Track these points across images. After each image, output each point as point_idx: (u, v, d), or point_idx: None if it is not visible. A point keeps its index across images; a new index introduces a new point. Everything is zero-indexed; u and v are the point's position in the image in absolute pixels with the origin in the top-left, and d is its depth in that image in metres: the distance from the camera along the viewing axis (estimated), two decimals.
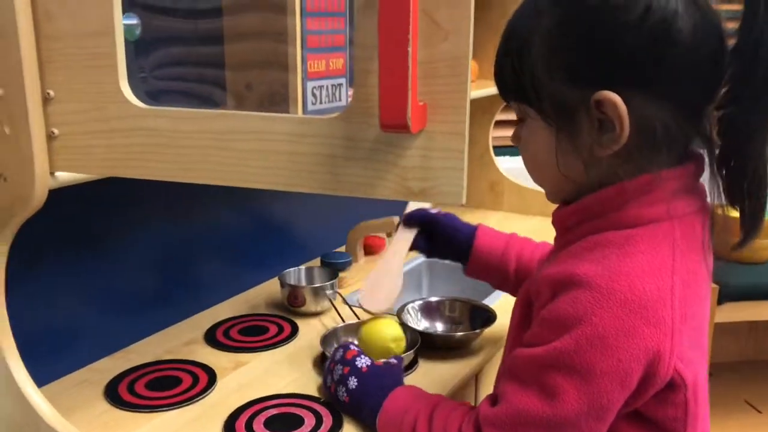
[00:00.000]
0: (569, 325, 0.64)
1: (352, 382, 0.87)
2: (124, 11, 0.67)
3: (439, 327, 1.18)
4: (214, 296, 1.31)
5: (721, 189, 0.69)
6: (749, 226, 0.70)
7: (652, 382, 0.64)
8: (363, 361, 0.89)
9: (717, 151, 0.69)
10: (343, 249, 1.49)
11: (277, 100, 1.00)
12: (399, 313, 1.14)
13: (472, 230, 1.03)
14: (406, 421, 0.78)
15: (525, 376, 0.67)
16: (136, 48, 0.82)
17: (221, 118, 0.66)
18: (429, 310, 1.18)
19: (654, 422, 0.69)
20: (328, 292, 1.26)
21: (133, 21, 0.87)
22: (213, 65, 1.02)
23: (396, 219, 1.44)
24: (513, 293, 1.01)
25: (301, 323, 1.22)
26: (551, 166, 0.71)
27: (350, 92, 1.15)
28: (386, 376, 0.87)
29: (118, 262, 1.11)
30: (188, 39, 0.98)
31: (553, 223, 0.76)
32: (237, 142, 0.65)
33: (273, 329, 1.19)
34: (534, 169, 0.76)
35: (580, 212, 0.71)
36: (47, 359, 1.01)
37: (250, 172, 0.66)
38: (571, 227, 0.72)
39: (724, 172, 0.69)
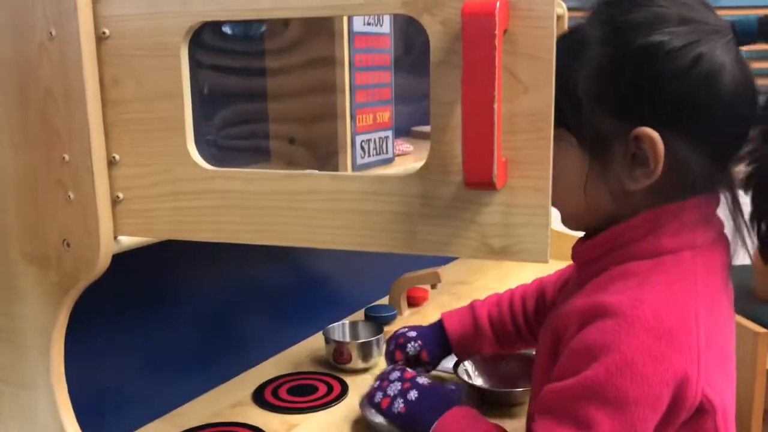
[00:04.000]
0: (598, 353, 0.65)
1: (412, 395, 0.88)
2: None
3: (495, 383, 1.14)
4: (258, 354, 1.28)
5: (750, 237, 0.72)
6: None
7: (681, 406, 0.65)
8: (424, 380, 0.91)
9: (752, 203, 0.72)
10: (385, 301, 1.46)
11: (329, 153, 0.99)
12: (454, 368, 1.11)
13: (437, 324, 1.07)
14: None
15: (558, 411, 0.67)
16: (203, 110, 0.82)
17: (292, 178, 0.64)
18: (485, 365, 1.14)
19: None
20: (374, 347, 1.23)
21: None
22: (261, 120, 1.02)
23: (440, 270, 1.42)
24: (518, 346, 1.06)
25: (349, 380, 1.19)
26: (576, 193, 0.72)
27: (396, 144, 1.14)
28: (447, 395, 0.88)
29: (162, 323, 1.09)
30: (242, 96, 0.99)
31: (573, 257, 0.78)
32: (308, 203, 0.64)
33: (322, 388, 1.16)
34: (556, 191, 0.74)
35: (602, 244, 0.73)
36: (95, 423, 0.99)
37: (322, 232, 0.64)
38: (592, 260, 0.74)
39: (756, 222, 0.72)
